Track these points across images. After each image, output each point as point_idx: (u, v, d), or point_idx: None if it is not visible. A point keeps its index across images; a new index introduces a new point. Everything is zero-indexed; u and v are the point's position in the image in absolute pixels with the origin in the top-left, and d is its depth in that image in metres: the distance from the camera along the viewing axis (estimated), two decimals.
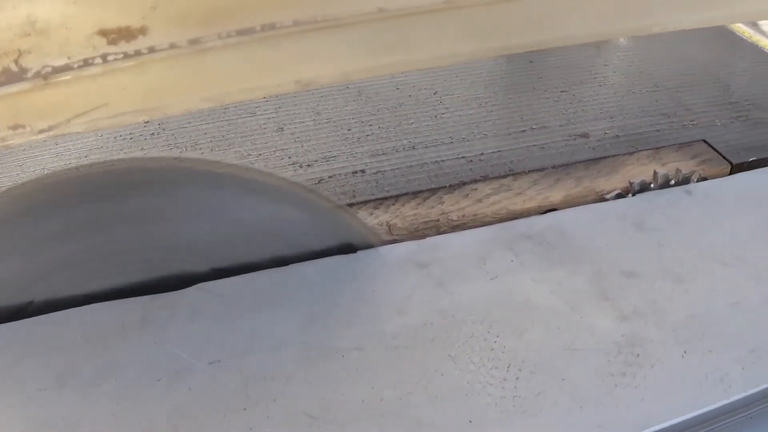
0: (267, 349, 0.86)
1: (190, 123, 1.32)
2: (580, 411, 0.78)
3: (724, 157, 1.15)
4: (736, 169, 1.14)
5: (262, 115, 1.32)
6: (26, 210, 0.90)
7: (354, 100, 1.34)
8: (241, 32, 0.66)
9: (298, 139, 1.24)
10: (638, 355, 0.84)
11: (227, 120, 1.32)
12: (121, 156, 1.26)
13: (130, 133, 1.31)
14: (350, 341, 0.87)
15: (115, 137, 1.31)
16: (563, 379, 0.81)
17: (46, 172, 1.23)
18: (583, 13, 0.78)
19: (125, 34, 0.64)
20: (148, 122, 1.34)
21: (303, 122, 1.29)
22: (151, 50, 0.65)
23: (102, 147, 1.29)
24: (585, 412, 0.77)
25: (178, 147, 1.26)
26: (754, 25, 1.74)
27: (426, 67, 0.79)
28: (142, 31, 0.64)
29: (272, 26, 0.66)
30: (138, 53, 0.64)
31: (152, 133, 1.31)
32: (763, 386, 0.80)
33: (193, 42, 0.65)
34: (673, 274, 0.94)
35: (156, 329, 0.88)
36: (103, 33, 0.64)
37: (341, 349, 0.85)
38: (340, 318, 0.90)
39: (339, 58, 0.71)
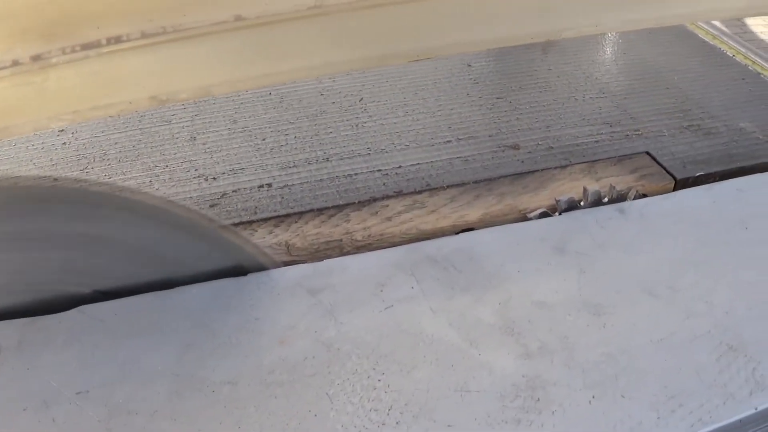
0: (137, 380, 0.79)
1: (103, 132, 1.24)
2: None
3: (667, 172, 1.03)
4: (680, 185, 1.02)
5: (177, 123, 1.23)
6: None
7: (274, 108, 1.24)
8: (85, 46, 0.63)
9: (208, 150, 1.15)
10: (539, 399, 0.74)
11: (140, 129, 1.23)
12: (30, 167, 1.19)
13: (42, 143, 1.23)
14: (224, 374, 0.79)
15: (27, 147, 1.23)
16: (449, 426, 0.72)
17: None
18: (466, 18, 0.71)
19: None
20: (61, 132, 1.26)
21: (217, 131, 1.19)
22: None
23: (12, 157, 1.21)
24: None
25: (86, 158, 1.18)
26: (716, 27, 1.63)
27: (298, 78, 0.71)
28: None
29: (118, 39, 0.63)
30: None
31: (64, 143, 1.22)
32: None
33: (36, 58, 0.62)
34: (592, 305, 0.83)
35: (31, 354, 0.83)
36: None
37: (213, 383, 0.78)
38: (217, 348, 0.82)
39: (196, 72, 0.67)
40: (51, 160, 1.19)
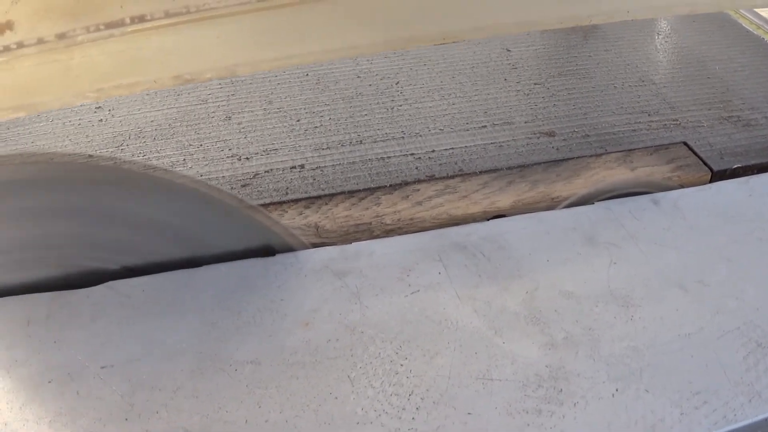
0: (161, 356, 0.80)
1: (139, 110, 1.25)
2: None
3: (704, 163, 1.01)
4: (716, 177, 1.00)
5: (213, 102, 1.24)
6: None
7: (311, 89, 1.24)
8: (109, 25, 0.64)
9: (243, 130, 1.15)
10: (561, 390, 0.73)
11: (177, 107, 1.24)
12: (66, 143, 1.21)
13: (79, 120, 1.25)
14: (246, 354, 0.80)
15: (63, 123, 1.25)
16: (469, 414, 0.72)
17: None
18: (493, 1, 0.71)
19: None
20: (98, 109, 1.28)
21: (252, 111, 1.20)
22: (20, 45, 0.63)
23: (49, 133, 1.23)
24: None
25: (122, 135, 1.19)
26: (760, 17, 1.58)
27: (322, 60, 0.71)
28: (8, 25, 0.62)
29: (142, 18, 0.64)
30: (6, 49, 0.63)
31: (100, 120, 1.24)
32: None
33: (62, 36, 0.63)
34: (620, 297, 0.82)
35: (59, 328, 0.84)
36: None
37: (235, 362, 0.79)
38: (241, 327, 0.83)
39: (220, 52, 0.67)
40: (87, 136, 1.20)
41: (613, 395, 0.72)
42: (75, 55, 0.65)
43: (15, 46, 0.63)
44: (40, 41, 0.63)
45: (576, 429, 0.69)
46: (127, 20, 0.64)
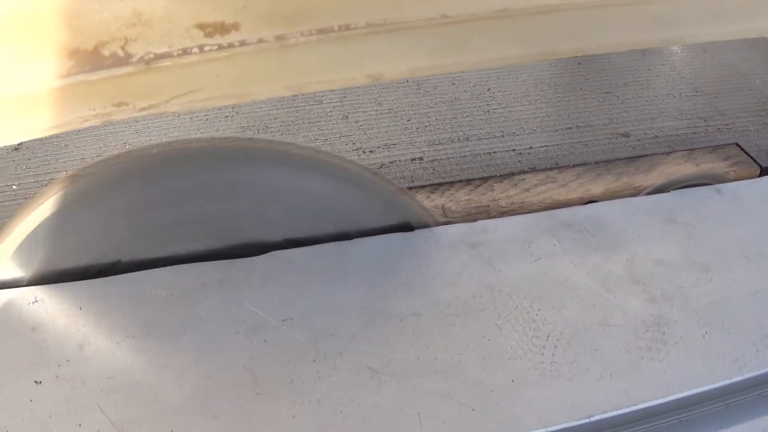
0: (333, 311, 0.95)
1: (261, 108, 1.43)
2: (610, 378, 0.87)
3: (754, 160, 1.24)
4: (764, 172, 1.23)
5: (328, 103, 1.43)
6: (123, 177, 0.97)
7: (413, 93, 1.45)
8: (320, 31, 0.73)
9: (361, 127, 1.35)
10: (664, 333, 0.93)
11: (295, 107, 1.43)
12: (198, 135, 1.38)
13: (206, 115, 1.42)
14: (407, 307, 0.96)
15: (191, 118, 1.42)
16: (596, 350, 0.91)
17: (127, 147, 1.34)
18: (619, 24, 0.85)
19: (220, 28, 0.71)
20: (222, 106, 1.45)
21: (366, 111, 1.40)
22: (242, 43, 0.72)
23: (179, 126, 1.40)
24: (613, 380, 0.87)
25: (250, 130, 1.37)
26: None
27: (481, 68, 0.88)
28: (235, 26, 0.71)
29: (348, 27, 0.73)
30: (230, 45, 0.71)
31: (226, 116, 1.42)
32: None
33: (279, 38, 0.72)
34: (700, 264, 1.03)
35: (234, 290, 0.97)
36: (201, 26, 0.70)
37: (399, 314, 0.95)
38: (397, 287, 0.99)
39: (406, 57, 0.78)
40: (217, 130, 1.38)
41: (703, 336, 0.93)
42: (288, 54, 0.73)
43: (238, 44, 0.71)
44: (260, 41, 0.71)
45: (678, 361, 0.89)
46: (335, 28, 0.73)
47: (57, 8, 0.68)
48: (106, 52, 0.70)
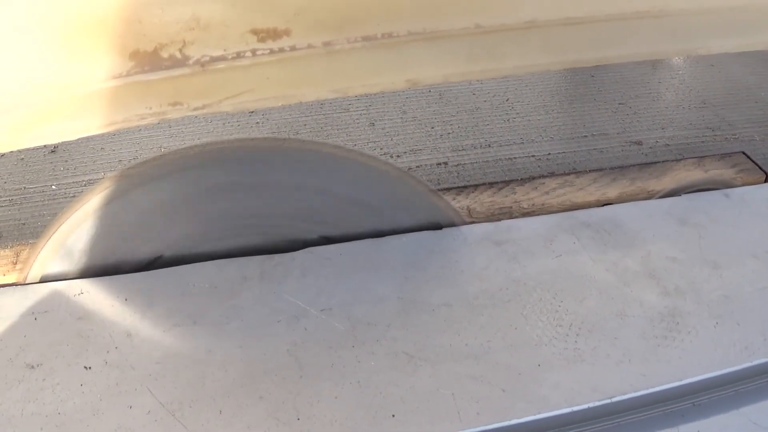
0: (369, 301, 1.00)
1: (290, 115, 1.50)
2: (629, 363, 0.93)
3: (760, 168, 1.31)
4: None
5: (354, 111, 1.50)
6: (165, 175, 0.99)
7: (436, 102, 1.52)
8: (365, 38, 0.76)
9: (387, 134, 1.42)
10: (678, 323, 0.99)
11: (324, 114, 1.50)
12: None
13: (237, 121, 1.49)
14: (439, 299, 1.01)
15: (224, 123, 1.49)
16: (615, 338, 0.97)
17: (162, 149, 1.39)
18: (638, 36, 0.90)
19: (272, 34, 0.74)
20: (253, 113, 1.52)
21: (391, 119, 1.47)
22: (292, 48, 0.75)
23: (212, 132, 1.47)
24: (632, 364, 0.93)
25: (281, 134, 1.44)
26: None
27: (510, 75, 0.92)
28: (286, 32, 0.74)
29: (390, 35, 0.77)
30: (281, 50, 0.74)
31: (257, 122, 1.48)
32: None
33: (326, 44, 0.75)
34: (710, 262, 1.10)
35: (273, 282, 1.01)
36: (255, 32, 0.73)
37: (431, 305, 1.00)
38: (429, 280, 1.04)
39: (442, 64, 0.82)
40: (249, 135, 1.45)
41: (714, 326, 0.99)
42: (334, 59, 0.76)
43: (288, 49, 0.74)
44: (309, 46, 0.74)
45: (692, 348, 0.96)
46: (379, 35, 0.76)
47: (121, 12, 0.72)
48: (164, 54, 0.74)
